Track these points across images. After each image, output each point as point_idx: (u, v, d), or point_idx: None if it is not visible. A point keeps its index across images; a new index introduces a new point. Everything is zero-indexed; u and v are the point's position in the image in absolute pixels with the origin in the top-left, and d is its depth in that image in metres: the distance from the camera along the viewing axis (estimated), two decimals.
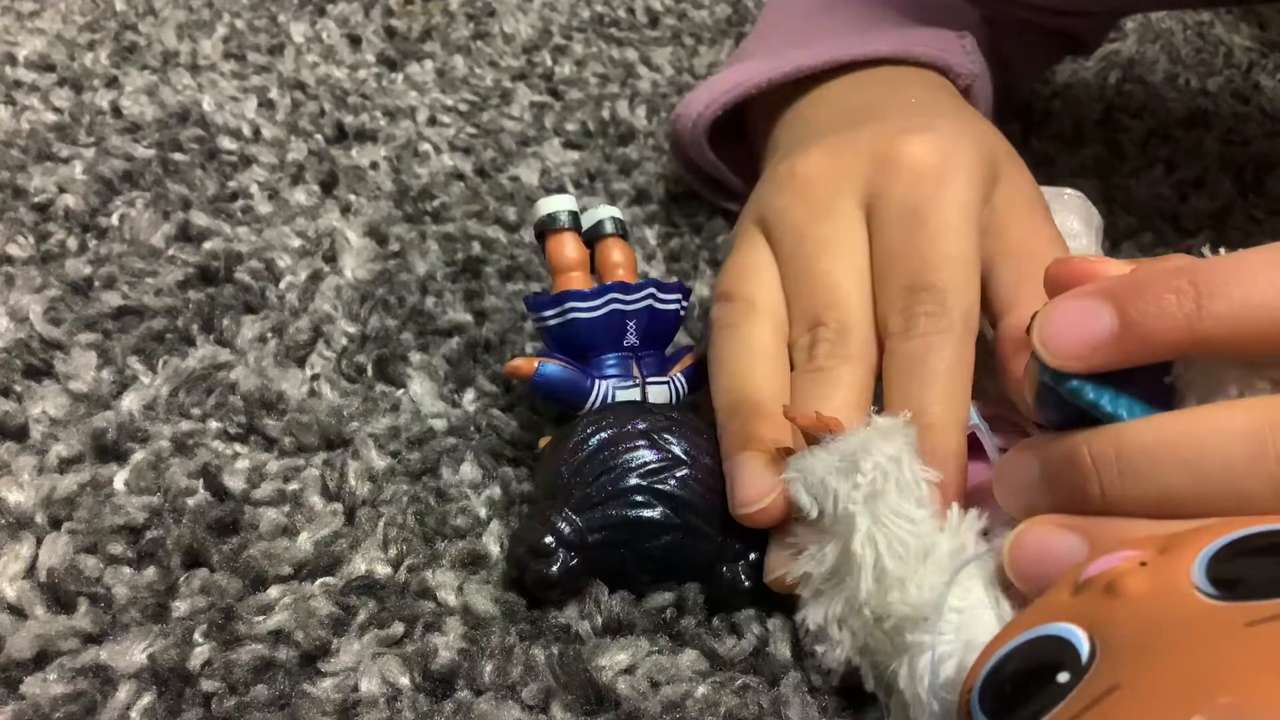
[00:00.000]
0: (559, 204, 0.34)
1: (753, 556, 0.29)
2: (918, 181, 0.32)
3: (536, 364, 0.32)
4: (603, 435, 0.30)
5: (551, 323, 0.33)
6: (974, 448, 0.30)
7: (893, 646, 0.25)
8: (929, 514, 0.26)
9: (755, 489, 0.28)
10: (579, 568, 0.29)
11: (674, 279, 0.37)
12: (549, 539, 0.29)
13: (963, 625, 0.23)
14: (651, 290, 0.34)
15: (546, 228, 0.34)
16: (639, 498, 0.30)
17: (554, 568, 0.29)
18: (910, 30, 0.43)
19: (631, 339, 0.34)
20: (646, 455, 0.30)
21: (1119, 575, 0.18)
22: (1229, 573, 0.17)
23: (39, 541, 0.31)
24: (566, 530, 0.29)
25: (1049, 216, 0.33)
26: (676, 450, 0.30)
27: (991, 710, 0.18)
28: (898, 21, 0.45)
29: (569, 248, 0.34)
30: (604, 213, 0.35)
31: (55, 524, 0.31)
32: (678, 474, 0.30)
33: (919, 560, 0.25)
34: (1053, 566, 0.22)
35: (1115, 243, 0.46)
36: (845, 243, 0.32)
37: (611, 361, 0.33)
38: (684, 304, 0.35)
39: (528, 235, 0.46)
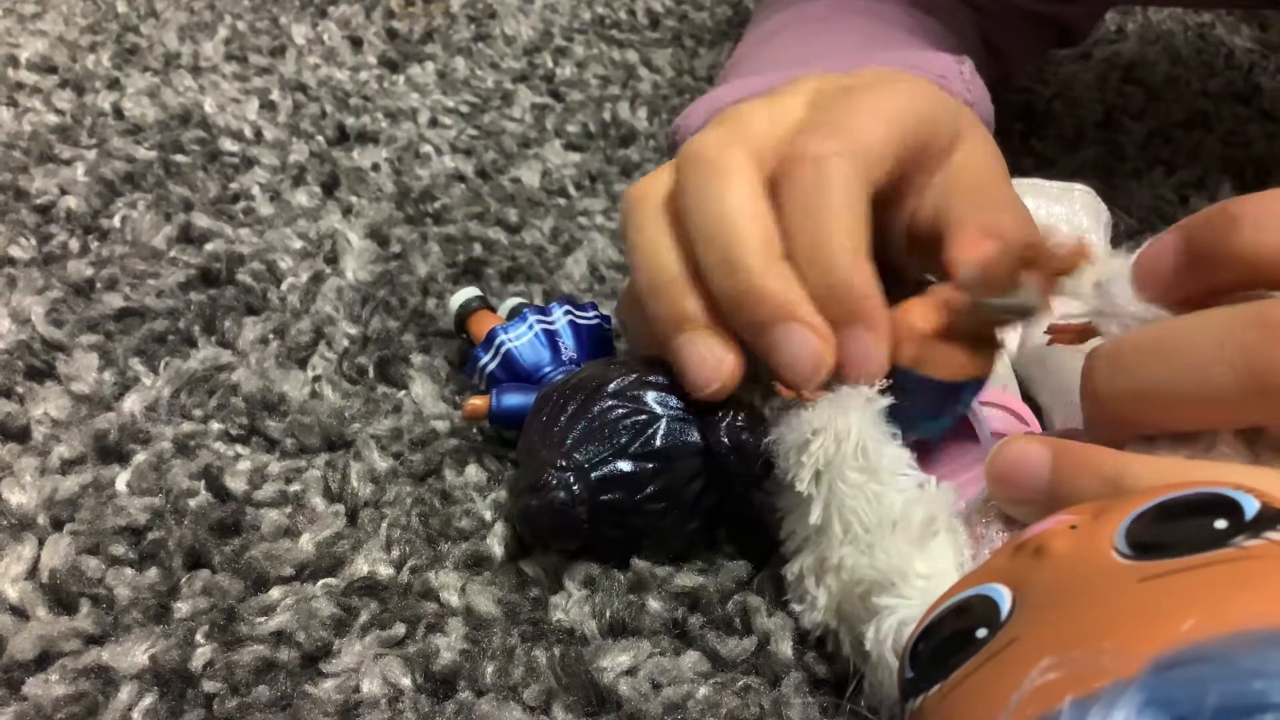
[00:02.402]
0: (467, 294, 0.39)
1: (742, 416, 0.29)
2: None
3: (491, 397, 0.34)
4: (560, 388, 0.31)
5: (492, 365, 0.35)
6: (966, 430, 0.30)
7: (865, 611, 0.25)
8: (892, 483, 0.26)
9: (708, 368, 0.28)
10: (583, 494, 0.29)
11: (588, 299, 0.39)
12: (546, 476, 0.29)
13: (929, 591, 0.24)
14: (567, 308, 0.36)
15: (466, 310, 0.38)
16: (614, 402, 0.30)
17: (558, 494, 0.28)
18: (911, 53, 0.43)
19: (569, 352, 0.35)
20: (605, 373, 0.31)
21: (1048, 538, 0.19)
22: (1146, 535, 0.18)
23: (41, 543, 0.31)
24: (559, 461, 0.29)
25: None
26: (633, 366, 0.31)
27: (917, 663, 0.19)
28: (898, 38, 0.45)
29: (488, 320, 0.37)
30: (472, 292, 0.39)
31: (57, 525, 0.31)
32: (639, 377, 0.30)
33: (888, 528, 0.26)
34: (1021, 474, 0.25)
35: (1115, 244, 0.46)
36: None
37: (558, 374, 0.34)
38: (606, 319, 0.37)
39: (529, 237, 0.46)
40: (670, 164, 0.31)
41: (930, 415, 0.28)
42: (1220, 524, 0.17)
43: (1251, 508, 0.17)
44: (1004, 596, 0.18)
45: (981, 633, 0.18)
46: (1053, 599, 0.17)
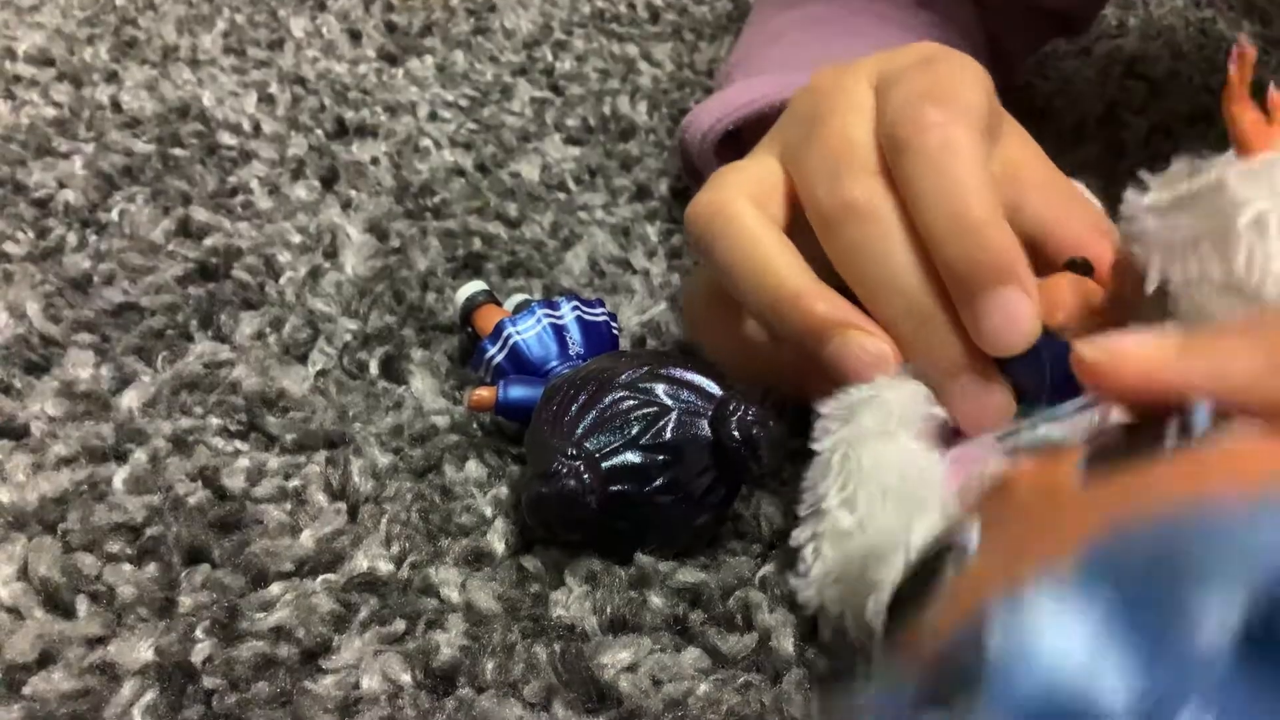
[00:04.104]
0: (474, 287, 0.39)
1: (753, 411, 0.29)
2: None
3: (498, 388, 0.33)
4: (571, 379, 0.31)
5: (499, 357, 0.35)
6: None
7: (864, 585, 0.25)
8: (899, 444, 0.26)
9: (873, 365, 0.27)
10: (593, 483, 0.28)
11: (597, 298, 0.39)
12: (556, 464, 0.28)
13: None
14: (575, 304, 0.36)
15: (471, 305, 0.38)
16: (625, 393, 0.30)
17: (569, 482, 0.28)
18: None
19: (576, 348, 0.35)
20: (615, 365, 0.31)
21: (1015, 473, 0.19)
22: (1104, 452, 0.18)
23: (38, 540, 0.31)
24: (569, 450, 0.29)
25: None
26: (644, 359, 0.31)
27: (893, 606, 0.19)
28: (910, 41, 0.45)
29: (494, 313, 0.37)
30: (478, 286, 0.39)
31: (53, 524, 0.31)
32: (651, 369, 0.30)
33: (878, 498, 0.26)
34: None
35: None
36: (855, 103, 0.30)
37: (565, 369, 0.34)
38: (613, 317, 0.37)
39: (529, 231, 0.46)
40: (730, 170, 0.31)
41: (1058, 397, 0.27)
42: (1172, 429, 0.17)
43: (1203, 416, 0.17)
44: (973, 531, 0.18)
45: (950, 573, 0.18)
46: (1008, 525, 0.18)
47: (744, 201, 0.30)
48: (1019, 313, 0.26)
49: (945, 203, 0.27)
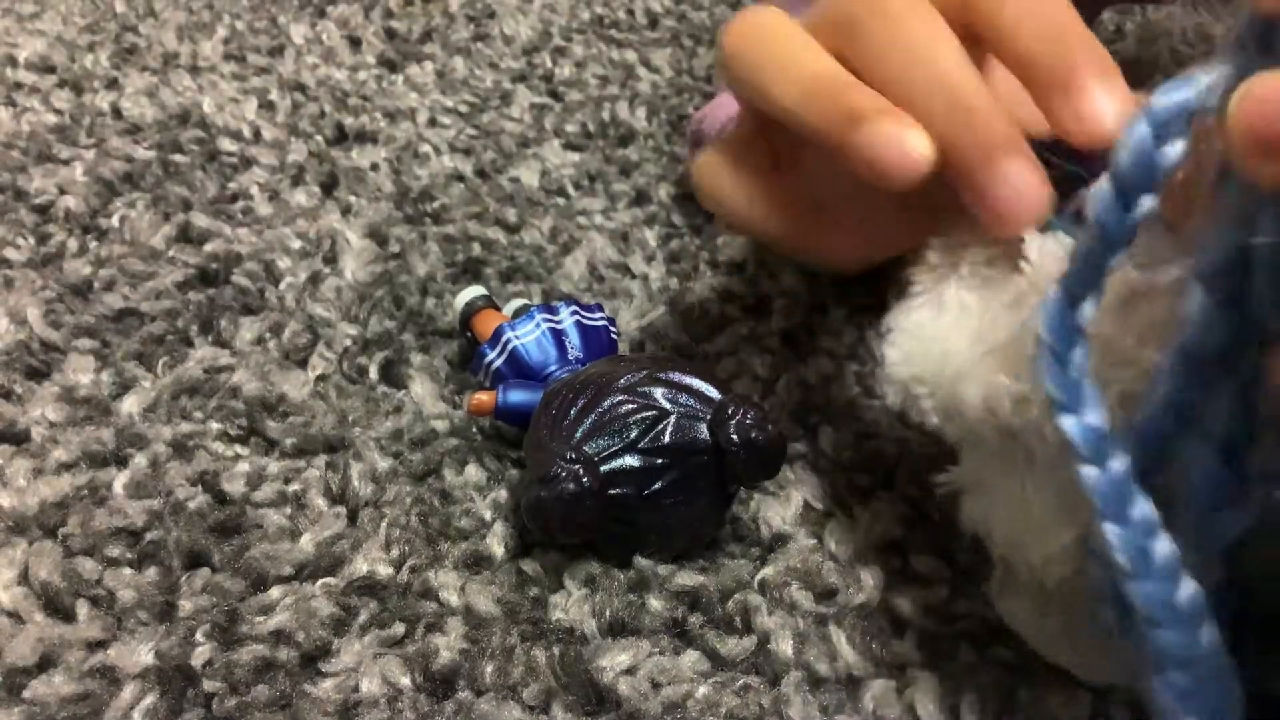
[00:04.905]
0: (473, 292, 0.39)
1: (752, 415, 0.29)
2: None
3: (498, 392, 0.34)
4: (570, 383, 0.31)
5: (498, 362, 0.35)
6: None
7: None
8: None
9: (906, 146, 0.25)
10: (593, 485, 0.28)
11: (596, 302, 0.39)
12: (555, 468, 0.28)
13: None
14: (574, 308, 0.36)
15: (471, 310, 0.38)
16: (624, 397, 0.30)
17: (568, 485, 0.28)
18: None
19: (575, 353, 0.35)
20: (614, 369, 0.31)
21: None
22: None
23: (39, 545, 0.31)
24: (569, 454, 0.29)
25: None
26: (643, 363, 0.31)
27: None
28: None
29: (494, 318, 0.37)
30: (477, 291, 0.39)
31: (54, 529, 0.31)
32: (649, 373, 0.30)
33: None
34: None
35: None
36: None
37: (563, 373, 0.34)
38: (611, 321, 0.37)
39: (528, 236, 0.46)
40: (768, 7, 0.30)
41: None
42: None
43: None
44: None
45: None
46: None
47: (779, 15, 0.29)
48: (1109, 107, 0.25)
49: (1032, 6, 0.26)
